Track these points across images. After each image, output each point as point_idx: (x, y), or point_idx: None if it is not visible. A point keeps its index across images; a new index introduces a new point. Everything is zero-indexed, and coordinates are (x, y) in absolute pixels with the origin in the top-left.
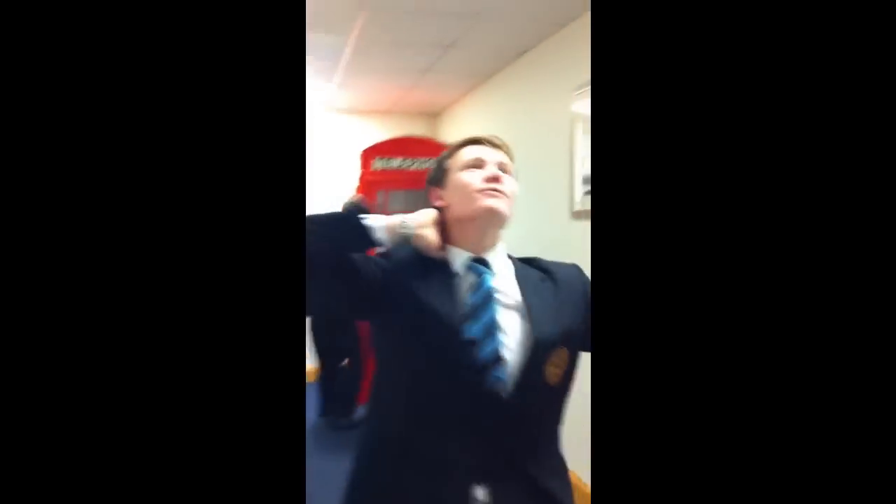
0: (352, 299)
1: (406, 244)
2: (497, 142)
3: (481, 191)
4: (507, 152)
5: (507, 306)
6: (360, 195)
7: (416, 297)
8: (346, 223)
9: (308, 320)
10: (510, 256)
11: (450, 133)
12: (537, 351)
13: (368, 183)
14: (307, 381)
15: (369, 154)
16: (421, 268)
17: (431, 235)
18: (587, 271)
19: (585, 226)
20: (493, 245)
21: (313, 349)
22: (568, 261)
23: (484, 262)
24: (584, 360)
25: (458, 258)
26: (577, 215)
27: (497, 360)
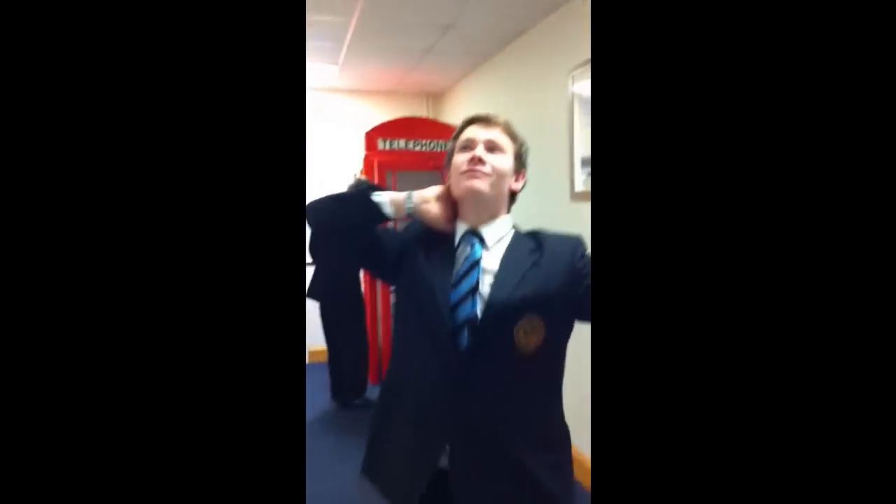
0: (373, 265)
1: (412, 218)
2: (492, 119)
3: (464, 172)
4: (504, 128)
5: (489, 274)
6: (364, 176)
7: (418, 265)
8: (359, 200)
9: (318, 306)
10: (516, 228)
11: (451, 113)
12: (496, 314)
13: (373, 164)
14: (321, 361)
15: (373, 135)
16: (428, 240)
17: (433, 210)
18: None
19: (586, 207)
20: (490, 219)
21: (324, 333)
22: None
23: (478, 235)
24: (581, 338)
25: (459, 231)
26: (577, 197)
27: (467, 323)
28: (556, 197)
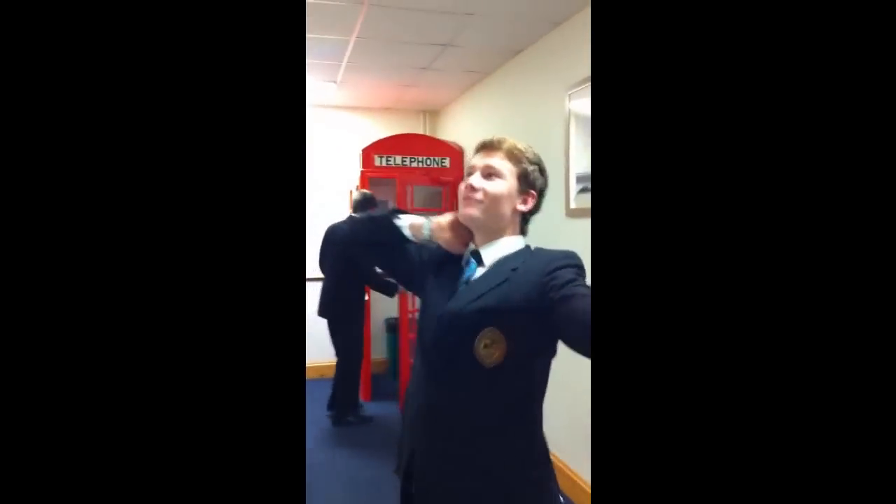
0: (403, 281)
1: (429, 241)
2: (495, 145)
3: (462, 199)
4: (507, 153)
5: None
6: (365, 190)
7: (427, 283)
8: (384, 222)
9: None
10: (528, 247)
11: (448, 130)
12: (451, 327)
13: (369, 179)
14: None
15: (370, 151)
16: (441, 259)
17: (446, 236)
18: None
19: (581, 224)
20: (491, 240)
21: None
22: None
23: (477, 255)
24: (566, 359)
25: (467, 251)
26: (572, 213)
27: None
28: (551, 213)
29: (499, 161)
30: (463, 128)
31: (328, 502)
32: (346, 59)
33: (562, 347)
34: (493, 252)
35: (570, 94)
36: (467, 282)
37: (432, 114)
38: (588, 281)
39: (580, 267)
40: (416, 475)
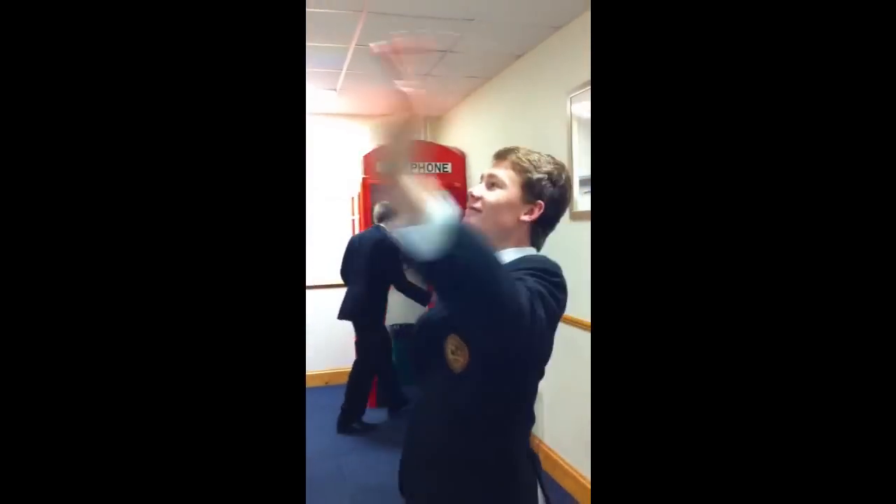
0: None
1: None
2: (503, 155)
3: (466, 208)
4: (512, 162)
5: None
6: (386, 202)
7: None
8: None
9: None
10: (535, 256)
11: (449, 136)
12: (421, 333)
13: (371, 186)
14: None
15: (372, 158)
16: None
17: None
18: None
19: (585, 227)
20: (496, 250)
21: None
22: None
23: None
24: (583, 354)
25: None
26: (575, 217)
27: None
28: None
29: (502, 171)
30: (464, 133)
31: None
32: (345, 67)
33: (563, 347)
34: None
35: (571, 98)
36: None
37: (434, 120)
38: (553, 285)
39: (542, 270)
40: (405, 483)
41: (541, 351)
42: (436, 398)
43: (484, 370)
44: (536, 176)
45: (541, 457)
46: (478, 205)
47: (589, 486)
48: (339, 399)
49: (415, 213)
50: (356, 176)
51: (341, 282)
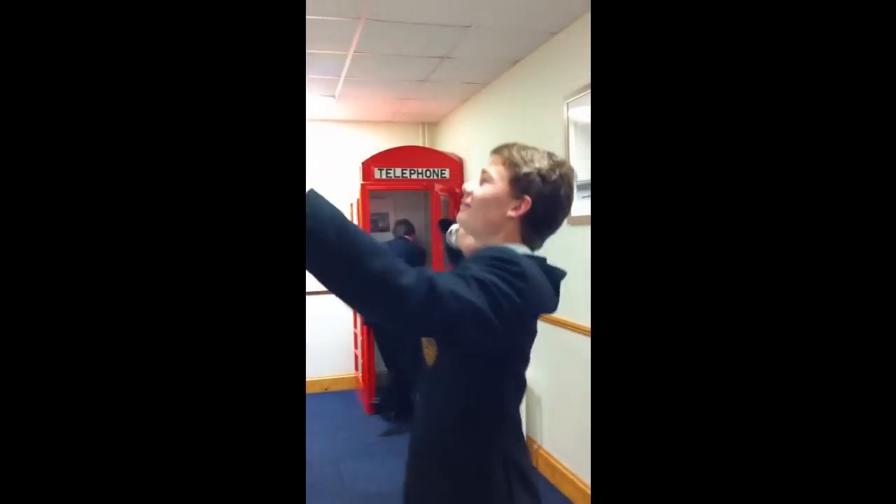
0: None
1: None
2: (497, 151)
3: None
4: (503, 158)
5: None
6: (406, 219)
7: None
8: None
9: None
10: (524, 254)
11: (447, 142)
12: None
13: (370, 192)
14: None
15: (370, 164)
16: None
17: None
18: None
19: (582, 232)
20: (483, 246)
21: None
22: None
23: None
24: (583, 354)
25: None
26: (573, 221)
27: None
28: None
29: (493, 166)
30: (462, 139)
31: None
32: (344, 74)
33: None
34: None
35: (568, 103)
36: None
37: (431, 125)
38: (508, 273)
39: (496, 259)
40: (406, 483)
41: (507, 346)
42: (422, 396)
43: (451, 364)
44: (525, 171)
45: (541, 462)
46: (468, 200)
47: (588, 492)
48: (340, 405)
49: None
50: (354, 182)
51: None
